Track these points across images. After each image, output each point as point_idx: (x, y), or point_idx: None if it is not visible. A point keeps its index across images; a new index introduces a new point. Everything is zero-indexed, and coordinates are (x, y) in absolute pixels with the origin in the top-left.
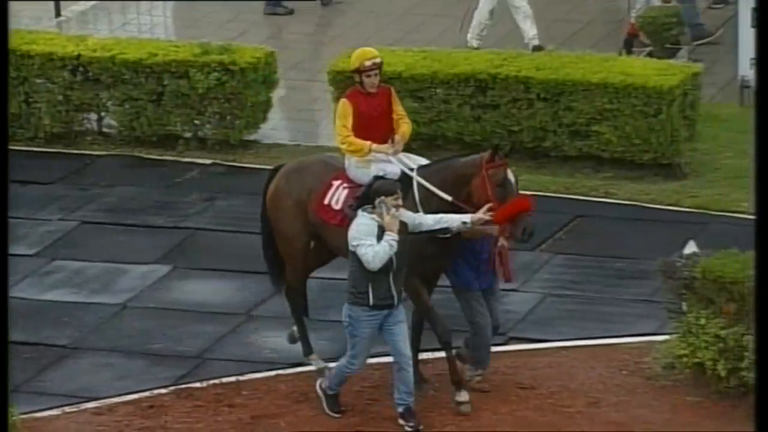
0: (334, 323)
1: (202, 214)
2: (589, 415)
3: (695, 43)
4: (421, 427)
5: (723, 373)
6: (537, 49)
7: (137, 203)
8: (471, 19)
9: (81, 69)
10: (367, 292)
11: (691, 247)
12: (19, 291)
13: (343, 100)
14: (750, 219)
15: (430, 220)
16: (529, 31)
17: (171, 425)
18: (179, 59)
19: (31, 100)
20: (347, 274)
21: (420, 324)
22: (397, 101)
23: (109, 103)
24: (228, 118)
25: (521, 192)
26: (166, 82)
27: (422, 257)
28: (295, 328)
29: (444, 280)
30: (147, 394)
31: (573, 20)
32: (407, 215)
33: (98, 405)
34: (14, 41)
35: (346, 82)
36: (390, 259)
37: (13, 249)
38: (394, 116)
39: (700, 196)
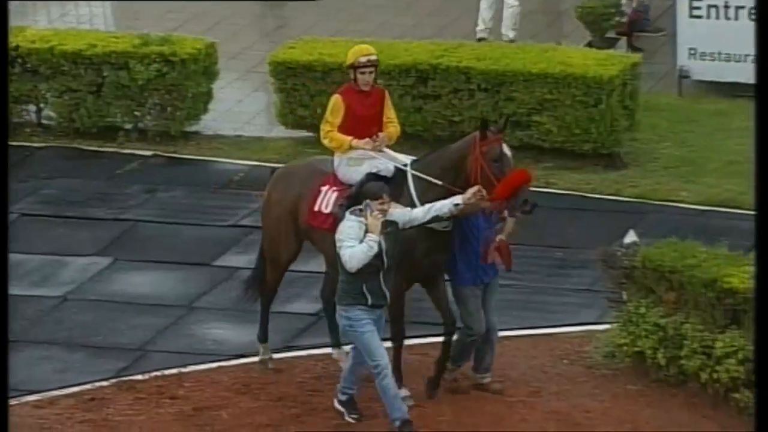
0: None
1: (143, 206)
2: (531, 404)
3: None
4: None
5: (663, 362)
6: (482, 40)
7: (77, 195)
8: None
9: (19, 60)
10: (364, 293)
11: (630, 237)
12: None
13: (336, 96)
14: (688, 208)
15: (419, 213)
16: (510, 25)
17: (112, 418)
18: (119, 50)
19: None
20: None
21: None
22: (390, 105)
23: (48, 95)
24: (168, 109)
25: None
26: (105, 74)
27: (414, 254)
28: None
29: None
30: (88, 386)
31: None
32: (397, 214)
33: (39, 398)
34: None
35: (286, 73)
36: (381, 259)
37: None
38: (385, 119)
39: (640, 185)
